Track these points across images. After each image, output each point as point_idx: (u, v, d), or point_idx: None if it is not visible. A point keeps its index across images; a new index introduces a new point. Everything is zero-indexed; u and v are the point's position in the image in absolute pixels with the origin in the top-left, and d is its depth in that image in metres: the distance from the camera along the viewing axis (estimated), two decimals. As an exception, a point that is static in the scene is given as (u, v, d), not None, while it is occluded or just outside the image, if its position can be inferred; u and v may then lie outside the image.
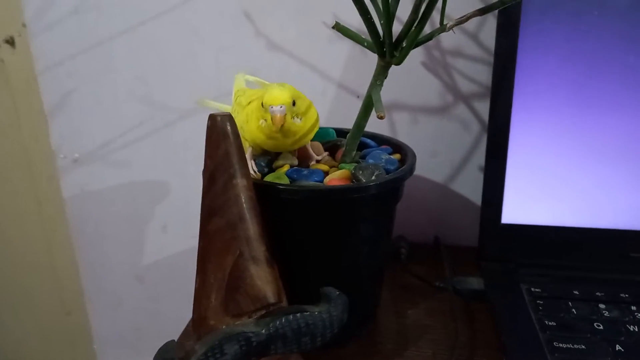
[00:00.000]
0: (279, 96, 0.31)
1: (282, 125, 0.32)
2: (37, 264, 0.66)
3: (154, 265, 0.63)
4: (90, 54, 0.54)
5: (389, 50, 0.30)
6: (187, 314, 0.40)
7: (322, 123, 0.38)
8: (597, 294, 0.40)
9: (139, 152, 0.57)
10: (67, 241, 0.64)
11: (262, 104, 0.32)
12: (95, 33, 0.53)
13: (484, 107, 0.49)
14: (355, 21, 0.47)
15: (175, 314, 0.65)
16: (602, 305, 0.39)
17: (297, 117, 0.33)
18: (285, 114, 0.31)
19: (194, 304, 0.32)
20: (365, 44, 0.33)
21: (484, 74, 0.48)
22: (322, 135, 0.42)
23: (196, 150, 0.56)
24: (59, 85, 0.56)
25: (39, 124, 0.58)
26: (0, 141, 0.61)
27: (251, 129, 0.34)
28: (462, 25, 0.40)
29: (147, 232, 0.61)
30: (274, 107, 0.31)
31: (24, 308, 0.70)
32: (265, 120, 0.32)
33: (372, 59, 0.33)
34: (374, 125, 0.38)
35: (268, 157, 0.37)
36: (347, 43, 0.49)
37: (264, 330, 0.28)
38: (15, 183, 0.62)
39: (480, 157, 0.51)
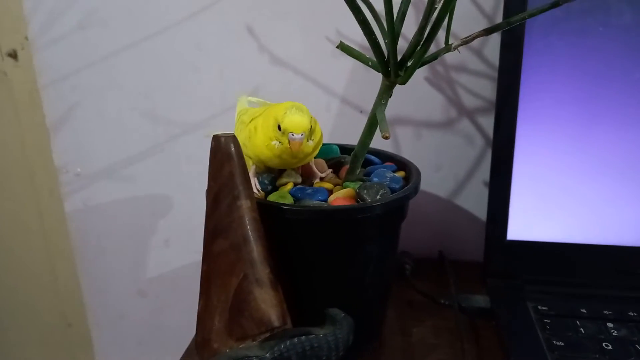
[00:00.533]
0: (300, 124, 0.31)
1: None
2: (38, 276, 0.66)
3: (156, 279, 0.62)
4: (94, 69, 0.54)
5: (393, 70, 0.30)
6: (189, 329, 0.40)
7: (326, 138, 0.38)
8: (605, 312, 0.40)
9: (142, 166, 0.57)
10: (69, 255, 0.64)
11: (278, 126, 0.31)
12: (100, 48, 0.53)
13: (487, 122, 0.49)
14: (359, 37, 0.47)
15: (177, 328, 0.65)
16: (610, 324, 0.38)
17: (311, 140, 0.33)
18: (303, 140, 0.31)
19: (197, 326, 0.32)
20: (370, 63, 0.33)
21: (488, 89, 0.48)
22: (325, 152, 0.41)
23: (199, 165, 0.55)
24: (63, 100, 0.56)
25: (41, 137, 0.58)
26: (3, 155, 0.61)
27: (257, 145, 0.33)
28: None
29: (149, 246, 0.61)
30: (295, 135, 0.31)
31: (25, 320, 0.70)
32: (280, 142, 0.32)
33: (376, 74, 0.33)
34: (377, 140, 0.37)
35: (271, 175, 0.37)
36: (350, 59, 0.49)
37: (268, 354, 0.27)
38: (17, 197, 0.62)
39: (484, 172, 0.50)
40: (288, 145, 0.31)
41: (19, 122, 0.59)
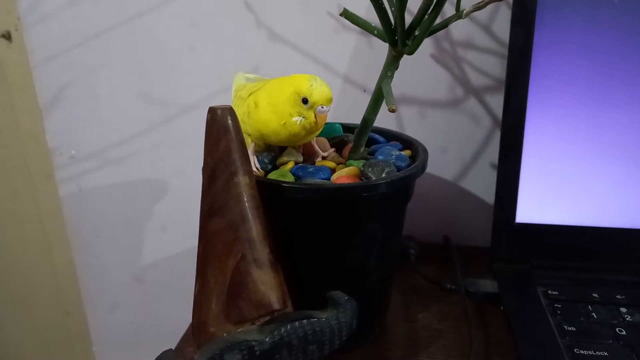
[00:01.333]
0: (329, 95, 0.30)
1: None
2: (35, 263, 0.65)
3: (153, 265, 0.61)
4: (86, 47, 0.52)
5: (400, 39, 0.28)
6: (187, 316, 0.38)
7: (328, 118, 0.36)
8: (618, 296, 0.38)
9: (137, 149, 0.55)
10: (65, 241, 0.63)
11: (303, 100, 0.30)
12: (91, 25, 0.51)
13: (496, 101, 0.47)
14: (362, 11, 0.45)
15: (175, 315, 0.63)
16: (623, 309, 0.37)
17: None
18: None
19: (193, 309, 0.30)
20: (376, 32, 0.31)
21: (497, 67, 0.46)
22: (328, 131, 0.40)
23: (196, 147, 0.53)
24: (54, 80, 0.54)
25: (36, 120, 0.57)
26: (-3, 137, 0.59)
27: (262, 121, 0.31)
28: (473, 15, 0.38)
29: (146, 232, 0.59)
30: (324, 107, 0.30)
31: (22, 307, 0.69)
32: (303, 117, 0.30)
33: (380, 50, 0.31)
34: (381, 120, 0.36)
35: (271, 154, 0.35)
36: (353, 34, 0.47)
37: (267, 339, 0.26)
38: (13, 182, 0.61)
39: (491, 154, 0.49)
40: (313, 120, 0.30)
41: (13, 106, 0.57)
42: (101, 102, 0.54)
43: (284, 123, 0.30)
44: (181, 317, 0.64)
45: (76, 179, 0.58)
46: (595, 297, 0.39)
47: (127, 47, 0.51)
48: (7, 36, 0.54)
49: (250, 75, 0.39)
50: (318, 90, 0.29)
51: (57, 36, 0.52)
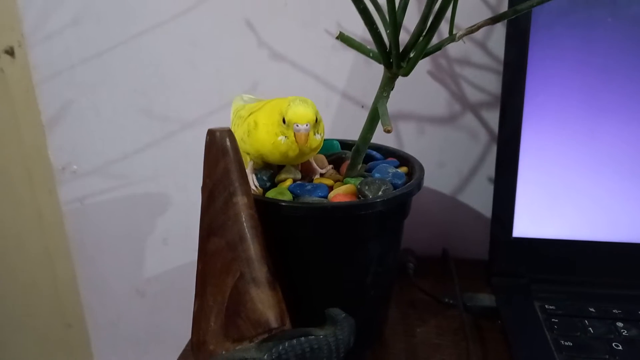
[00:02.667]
0: (304, 114, 0.30)
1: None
2: (37, 275, 0.65)
3: (154, 279, 0.61)
4: (89, 65, 0.53)
5: (395, 61, 0.29)
6: (188, 329, 0.38)
7: (326, 134, 0.37)
8: (614, 311, 0.39)
9: (139, 164, 0.56)
10: (67, 254, 0.63)
11: (283, 120, 0.30)
12: (94, 43, 0.52)
13: (492, 117, 0.48)
14: (360, 30, 0.46)
15: (176, 328, 0.64)
16: (619, 324, 0.37)
17: (318, 133, 0.32)
18: (309, 132, 0.30)
19: (192, 327, 0.31)
20: (371, 54, 0.31)
21: (492, 83, 0.47)
22: (326, 148, 0.40)
23: (197, 162, 0.54)
24: (58, 96, 0.55)
25: (39, 136, 0.57)
26: (1, 154, 0.60)
27: (259, 140, 0.32)
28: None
29: (147, 245, 0.60)
30: (299, 126, 0.30)
31: (24, 320, 0.69)
32: (286, 137, 0.31)
33: (377, 67, 0.32)
34: (379, 135, 0.36)
35: (270, 171, 0.36)
36: (352, 52, 0.48)
37: (266, 356, 0.26)
38: (16, 196, 0.61)
39: (489, 168, 0.49)
40: (294, 139, 0.30)
41: (16, 120, 0.58)
42: (103, 119, 0.55)
43: (273, 142, 0.31)
44: (182, 330, 0.64)
45: (78, 193, 0.59)
46: (592, 311, 0.39)
47: (129, 64, 0.52)
48: (11, 52, 0.55)
49: (246, 97, 0.40)
50: (292, 110, 0.30)
51: (61, 54, 0.53)
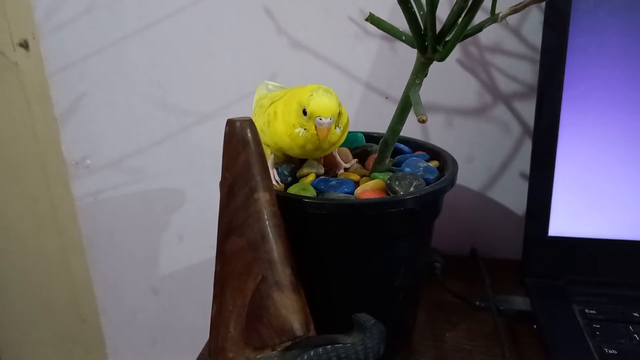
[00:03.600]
0: (329, 107, 0.28)
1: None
2: (52, 272, 0.65)
3: (169, 276, 0.60)
4: (103, 56, 0.51)
5: (431, 44, 0.26)
6: (203, 327, 0.37)
7: (349, 126, 0.35)
8: (661, 316, 0.36)
9: (154, 158, 0.54)
10: (82, 250, 0.62)
11: (304, 110, 0.28)
12: (108, 33, 0.50)
13: (525, 108, 0.45)
14: (385, 15, 0.44)
15: (191, 326, 0.62)
16: (667, 330, 0.35)
17: (338, 127, 0.29)
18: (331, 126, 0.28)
19: (210, 332, 0.29)
20: (404, 37, 0.29)
21: (527, 72, 0.44)
22: (350, 141, 0.38)
23: (213, 155, 0.53)
24: (71, 89, 0.53)
25: (53, 129, 0.56)
26: (16, 147, 0.59)
27: (277, 132, 0.30)
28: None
29: (162, 242, 0.58)
30: (323, 120, 0.28)
31: (39, 315, 0.69)
32: (305, 129, 0.29)
33: (403, 56, 0.29)
34: (405, 127, 0.34)
35: (291, 165, 0.34)
36: (375, 40, 0.45)
37: (290, 366, 0.24)
38: (31, 191, 0.61)
39: (521, 163, 0.47)
40: (314, 132, 0.28)
41: (30, 114, 0.57)
42: (117, 111, 0.53)
43: (290, 134, 0.29)
44: (197, 328, 0.63)
45: (92, 188, 0.57)
46: (637, 316, 0.36)
47: (144, 55, 0.50)
48: (25, 45, 0.54)
49: (272, 85, 0.38)
50: (315, 101, 0.28)
51: (74, 44, 0.51)
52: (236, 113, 0.49)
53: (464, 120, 0.46)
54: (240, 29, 0.48)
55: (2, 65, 0.55)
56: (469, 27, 0.26)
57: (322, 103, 0.28)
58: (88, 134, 0.55)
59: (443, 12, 0.29)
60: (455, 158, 0.34)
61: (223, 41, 0.49)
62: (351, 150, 0.37)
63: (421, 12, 0.27)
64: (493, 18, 0.26)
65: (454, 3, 0.26)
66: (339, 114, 0.29)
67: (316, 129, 0.28)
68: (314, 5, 0.46)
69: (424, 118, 0.25)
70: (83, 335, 0.67)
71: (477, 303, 0.41)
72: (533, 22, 0.42)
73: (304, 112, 0.28)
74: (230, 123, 0.26)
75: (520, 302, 0.39)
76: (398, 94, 0.31)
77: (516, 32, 0.43)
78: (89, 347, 0.68)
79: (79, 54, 0.52)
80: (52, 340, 0.69)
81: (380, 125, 0.36)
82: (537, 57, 0.39)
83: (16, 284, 0.67)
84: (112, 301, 0.64)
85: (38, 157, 0.59)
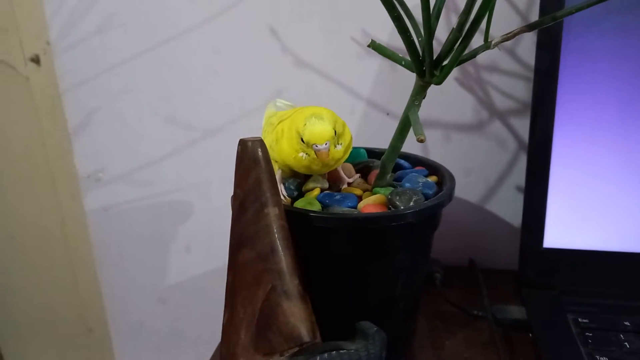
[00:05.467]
0: (321, 134, 0.29)
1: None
2: (60, 281, 0.66)
3: (176, 286, 0.61)
4: (114, 73, 0.53)
5: (429, 69, 0.28)
6: (209, 337, 0.38)
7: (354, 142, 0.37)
8: (651, 325, 0.38)
9: (162, 171, 0.56)
10: (90, 260, 0.63)
11: (302, 139, 0.30)
12: (118, 52, 0.52)
13: (521, 124, 0.47)
14: (385, 37, 0.46)
15: (197, 336, 0.64)
16: (657, 339, 0.36)
17: (339, 144, 0.31)
18: (329, 149, 0.30)
19: (222, 339, 0.30)
20: (403, 62, 0.31)
21: (522, 90, 0.46)
22: (353, 156, 0.40)
23: (220, 169, 0.54)
24: (83, 104, 0.55)
25: (63, 142, 0.58)
26: (26, 160, 0.61)
27: (284, 152, 0.32)
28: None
29: (170, 253, 0.60)
30: (318, 146, 0.30)
31: (47, 324, 0.70)
32: (307, 154, 0.31)
33: (402, 75, 0.31)
34: (406, 143, 0.36)
35: (298, 180, 0.35)
36: (376, 59, 0.47)
37: (297, 371, 0.26)
38: (39, 202, 0.62)
39: (516, 177, 0.48)
40: (315, 157, 0.30)
41: (40, 127, 0.59)
42: (128, 126, 0.55)
43: (294, 157, 0.31)
44: (204, 338, 0.64)
45: (103, 200, 0.59)
46: (627, 325, 0.38)
47: (154, 72, 0.52)
48: (36, 60, 0.56)
49: (280, 102, 0.40)
50: (309, 130, 0.30)
51: (86, 62, 0.53)
52: (241, 129, 0.52)
53: (462, 136, 0.48)
54: (245, 48, 0.50)
55: (13, 79, 0.57)
56: (464, 54, 0.28)
57: (315, 131, 0.29)
58: (99, 148, 0.56)
59: (442, 34, 0.30)
60: (454, 172, 0.36)
61: (229, 60, 0.51)
62: (354, 166, 0.39)
63: (419, 39, 0.29)
64: (486, 45, 0.28)
65: (451, 29, 0.28)
66: (340, 132, 0.31)
67: (316, 154, 0.30)
68: (318, 25, 0.48)
69: (423, 138, 0.27)
70: (89, 344, 0.69)
71: (475, 312, 0.42)
72: (527, 43, 0.44)
73: (302, 140, 0.30)
74: (242, 143, 0.28)
75: (516, 312, 0.41)
76: (399, 110, 0.33)
77: (511, 52, 0.45)
78: (95, 357, 0.69)
79: (91, 72, 0.54)
80: (58, 350, 0.70)
81: (382, 140, 0.38)
82: (532, 75, 0.41)
83: (22, 293, 0.68)
84: (120, 309, 0.65)
85: (47, 169, 0.60)
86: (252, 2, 0.48)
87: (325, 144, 0.29)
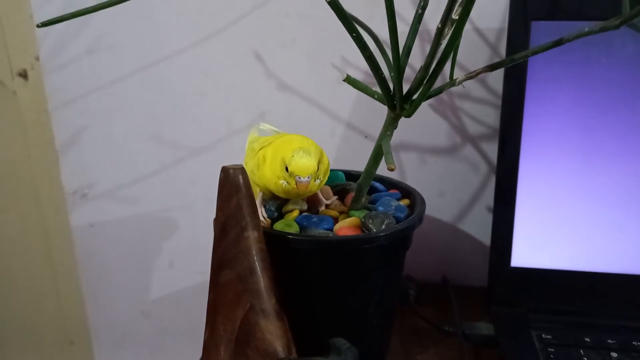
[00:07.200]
0: (306, 168, 0.31)
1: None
2: (42, 294, 0.66)
3: (160, 300, 0.62)
4: (103, 93, 0.55)
5: (399, 103, 0.31)
6: (191, 351, 0.40)
7: (331, 164, 0.39)
8: (609, 341, 0.40)
9: (148, 188, 0.57)
10: (74, 274, 0.64)
11: (286, 167, 0.32)
12: (108, 72, 0.54)
13: (491, 148, 0.49)
14: (364, 64, 0.48)
15: (180, 351, 0.65)
16: (614, 354, 0.38)
17: (318, 179, 0.33)
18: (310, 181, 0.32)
19: (202, 354, 0.32)
20: (376, 96, 0.33)
21: (491, 116, 0.48)
22: (331, 179, 0.42)
23: (204, 187, 0.56)
24: (71, 122, 0.57)
25: (49, 158, 0.59)
26: (11, 173, 0.61)
27: (265, 176, 0.34)
28: (469, 69, 0.41)
29: (154, 268, 0.61)
30: (301, 178, 0.32)
31: (28, 337, 0.69)
32: (287, 182, 0.32)
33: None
34: (382, 167, 0.38)
35: (277, 202, 0.37)
36: (356, 84, 0.50)
37: (273, 385, 0.28)
38: (23, 215, 0.63)
39: (488, 198, 0.51)
40: (295, 187, 0.32)
41: (26, 142, 0.59)
42: (115, 144, 0.56)
43: (275, 183, 0.33)
44: (186, 353, 0.65)
45: (88, 215, 0.60)
46: (587, 341, 0.40)
47: (141, 93, 0.54)
48: (24, 74, 0.57)
49: (263, 127, 0.42)
50: (295, 162, 0.32)
51: (76, 81, 0.55)
52: (226, 148, 0.54)
53: (436, 159, 0.50)
54: (231, 71, 0.52)
55: (0, 93, 0.58)
56: (431, 90, 0.30)
57: (302, 164, 0.31)
58: (86, 165, 0.58)
59: (418, 61, 0.31)
60: (428, 193, 0.38)
61: (216, 82, 0.53)
62: (332, 188, 0.41)
63: (391, 74, 0.32)
64: (451, 83, 0.30)
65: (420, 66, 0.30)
66: (321, 168, 0.33)
67: (296, 184, 0.32)
68: (300, 51, 0.50)
69: (393, 167, 0.29)
70: (71, 357, 0.69)
71: (446, 328, 0.44)
72: (496, 73, 0.46)
73: (287, 169, 0.32)
74: (224, 170, 0.30)
75: (484, 328, 0.43)
76: (376, 132, 0.35)
77: (482, 81, 0.48)
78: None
79: (80, 91, 0.55)
80: (40, 358, 0.71)
81: (359, 161, 0.40)
82: (500, 103, 0.43)
83: (4, 307, 0.68)
84: (103, 324, 0.66)
85: (31, 184, 0.61)
86: (239, 28, 0.50)
87: (307, 177, 0.31)
